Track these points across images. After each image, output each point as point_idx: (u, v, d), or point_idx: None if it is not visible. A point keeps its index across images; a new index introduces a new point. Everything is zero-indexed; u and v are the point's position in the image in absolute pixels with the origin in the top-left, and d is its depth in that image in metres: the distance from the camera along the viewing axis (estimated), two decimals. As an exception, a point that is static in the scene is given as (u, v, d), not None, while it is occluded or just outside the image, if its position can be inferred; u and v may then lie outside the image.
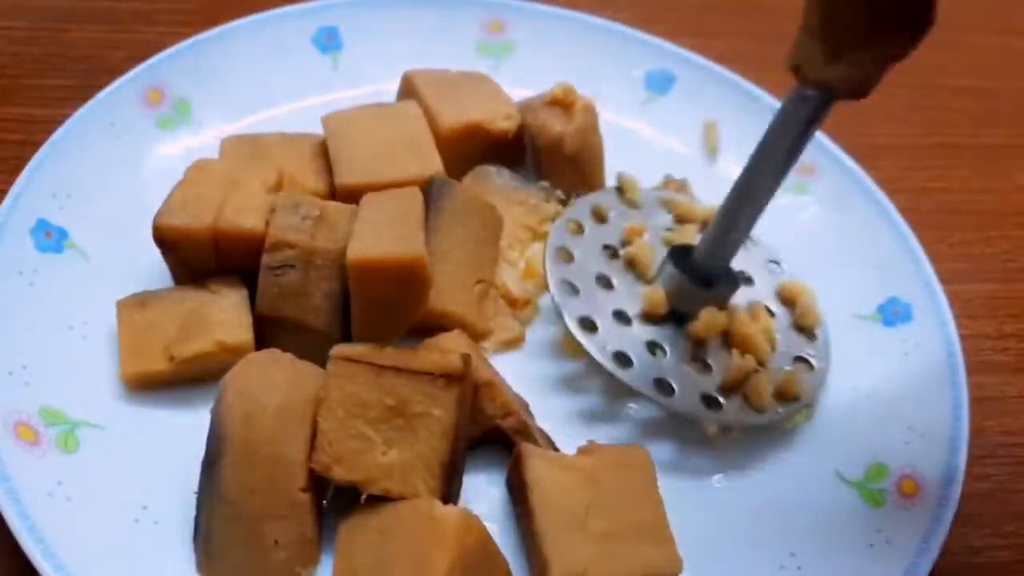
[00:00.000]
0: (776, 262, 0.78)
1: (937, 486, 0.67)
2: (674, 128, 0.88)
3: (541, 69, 0.85)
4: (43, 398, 0.64)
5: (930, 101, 1.00)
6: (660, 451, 0.68)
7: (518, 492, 0.63)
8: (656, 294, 0.71)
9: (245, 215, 0.67)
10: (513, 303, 0.74)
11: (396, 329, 0.66)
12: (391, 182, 0.71)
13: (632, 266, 0.74)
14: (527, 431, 0.65)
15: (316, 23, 0.88)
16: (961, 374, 0.72)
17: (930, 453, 0.69)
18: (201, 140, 0.80)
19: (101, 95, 0.79)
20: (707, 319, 0.70)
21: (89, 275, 0.71)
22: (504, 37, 0.91)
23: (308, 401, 0.60)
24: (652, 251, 0.74)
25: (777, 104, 0.86)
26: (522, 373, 0.71)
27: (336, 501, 0.61)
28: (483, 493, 0.65)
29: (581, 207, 0.76)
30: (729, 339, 0.71)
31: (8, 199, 0.71)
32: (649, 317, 0.71)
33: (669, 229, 0.77)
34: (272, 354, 0.62)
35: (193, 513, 0.60)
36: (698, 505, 0.67)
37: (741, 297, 0.73)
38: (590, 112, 0.79)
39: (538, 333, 0.73)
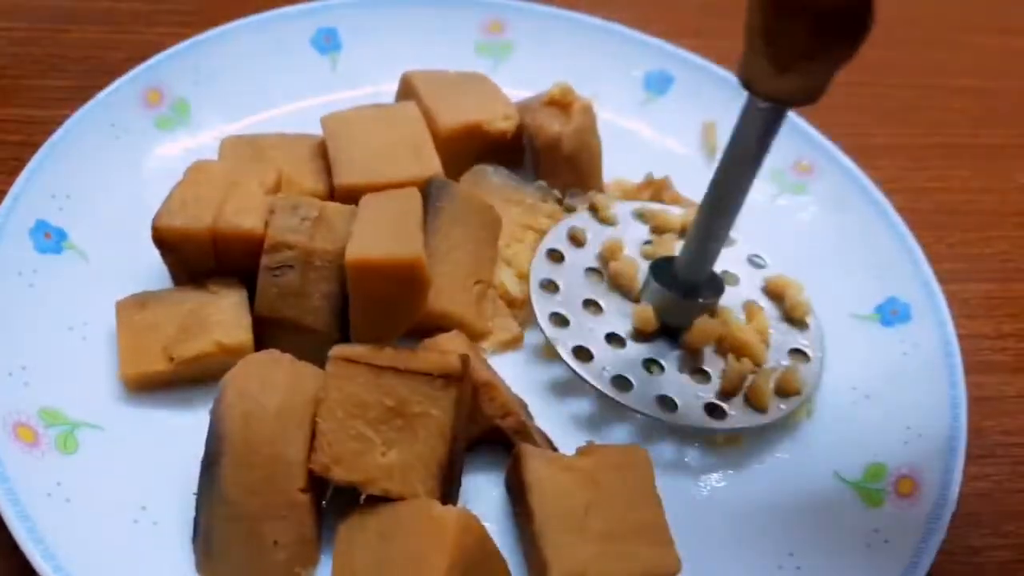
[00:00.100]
0: (758, 256, 0.78)
1: (935, 486, 0.67)
2: (673, 128, 0.88)
3: (540, 69, 0.85)
4: (42, 399, 0.64)
5: (930, 101, 1.00)
6: (659, 451, 0.69)
7: (517, 492, 0.63)
8: (645, 312, 0.71)
9: (244, 216, 0.67)
10: (511, 303, 0.74)
11: (395, 330, 0.66)
12: (390, 183, 0.71)
13: (617, 285, 0.74)
14: (526, 431, 0.65)
15: (315, 24, 0.89)
16: (959, 374, 0.72)
17: (928, 453, 0.69)
18: (200, 141, 0.80)
19: (100, 96, 0.79)
20: (700, 328, 0.70)
21: (88, 276, 0.71)
22: (503, 37, 0.91)
23: (307, 402, 0.60)
24: (634, 266, 0.74)
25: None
26: (521, 374, 0.71)
27: (335, 501, 0.61)
28: (482, 493, 0.65)
29: (558, 233, 0.76)
30: (724, 344, 0.71)
31: (7, 200, 0.71)
32: (641, 334, 0.71)
33: (648, 241, 0.77)
34: (271, 355, 0.62)
35: (192, 514, 0.60)
36: (697, 505, 0.67)
37: (729, 299, 0.73)
38: (588, 112, 0.79)
39: (537, 334, 0.73)
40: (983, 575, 0.67)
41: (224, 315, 0.66)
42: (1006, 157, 0.96)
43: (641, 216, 0.78)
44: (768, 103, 0.58)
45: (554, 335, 0.70)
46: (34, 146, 0.74)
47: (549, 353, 0.71)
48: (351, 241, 0.64)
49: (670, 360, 0.71)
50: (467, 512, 0.57)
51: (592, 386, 0.68)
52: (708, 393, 0.70)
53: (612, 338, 0.71)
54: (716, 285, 0.72)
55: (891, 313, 0.77)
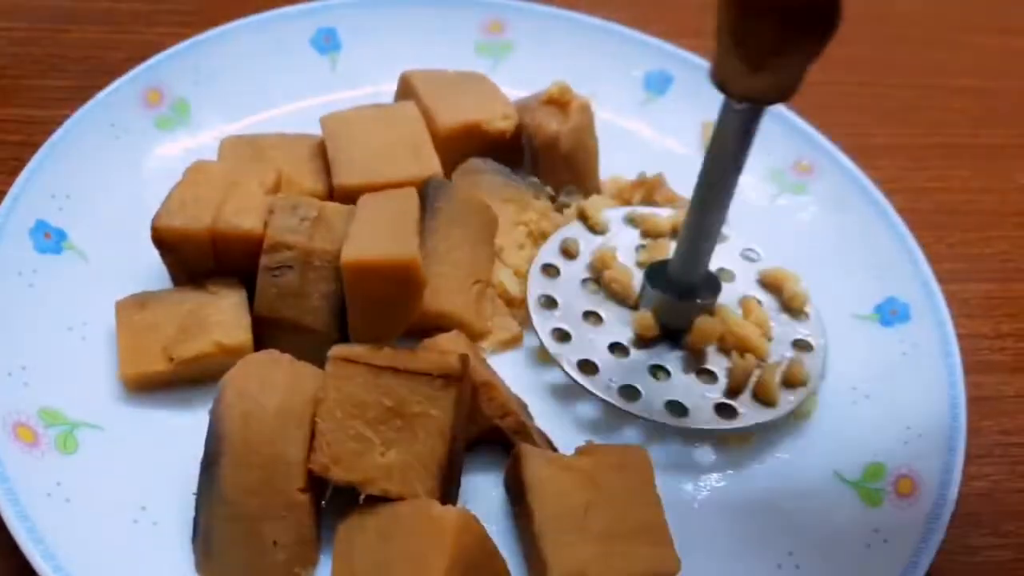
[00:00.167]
0: (751, 250, 0.78)
1: (935, 486, 0.67)
2: (672, 128, 0.88)
3: (540, 69, 0.85)
4: (42, 399, 0.64)
5: (930, 101, 1.00)
6: (659, 451, 0.69)
7: (517, 492, 0.63)
8: (645, 318, 0.71)
9: (243, 216, 0.67)
10: (510, 302, 0.74)
11: (392, 330, 0.66)
12: (389, 183, 0.71)
13: (614, 293, 0.74)
14: (525, 431, 0.65)
15: (315, 24, 0.89)
16: (959, 374, 0.72)
17: (928, 453, 0.69)
18: (200, 141, 0.80)
19: (100, 96, 0.79)
20: (700, 329, 0.70)
21: (88, 276, 0.71)
22: (503, 37, 0.91)
23: (307, 402, 0.60)
24: (629, 273, 0.74)
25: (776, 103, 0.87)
26: (520, 373, 0.71)
27: (335, 502, 0.61)
28: (482, 493, 0.65)
29: (551, 247, 0.76)
30: (726, 342, 0.71)
31: (7, 200, 0.71)
32: (643, 341, 0.71)
33: (641, 246, 0.77)
34: (271, 355, 0.62)
35: (192, 514, 0.60)
36: (697, 505, 0.67)
37: (728, 295, 0.73)
38: (586, 111, 0.79)
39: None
40: (982, 575, 0.67)
41: (223, 315, 0.66)
42: (1006, 157, 0.96)
43: (632, 221, 0.78)
44: (744, 104, 0.58)
45: (557, 351, 0.70)
46: (34, 146, 0.74)
47: (544, 356, 0.71)
48: (347, 242, 0.64)
49: (675, 363, 0.71)
50: (467, 512, 0.57)
51: (601, 399, 0.68)
52: (716, 393, 0.70)
53: (615, 347, 0.71)
54: (713, 284, 0.72)
55: (890, 313, 0.77)
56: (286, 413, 0.59)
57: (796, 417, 0.71)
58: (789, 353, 0.72)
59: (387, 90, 0.84)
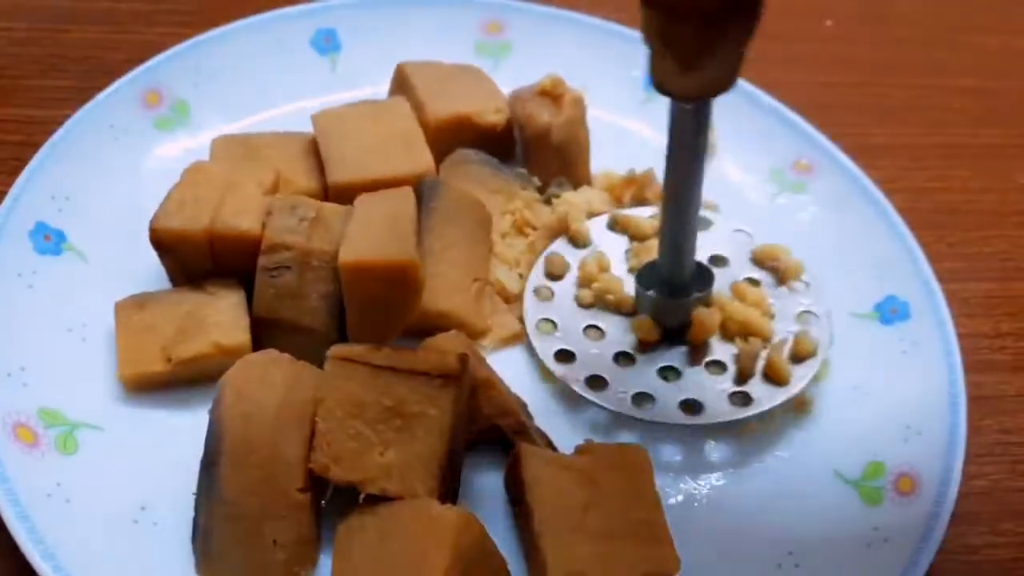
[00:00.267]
0: (741, 230, 0.78)
1: (934, 484, 0.67)
2: (672, 128, 0.88)
3: (540, 69, 0.85)
4: (42, 399, 0.64)
5: (930, 101, 1.00)
6: (659, 450, 0.69)
7: (516, 492, 0.63)
8: (643, 322, 0.71)
9: (241, 217, 0.67)
10: (509, 299, 0.74)
11: (391, 330, 0.66)
12: (382, 178, 0.71)
13: (609, 303, 0.73)
14: (525, 431, 0.66)
15: (314, 25, 0.88)
16: (959, 373, 0.72)
17: (927, 451, 0.69)
18: (199, 142, 0.80)
19: (100, 97, 0.79)
20: (701, 322, 0.70)
21: (88, 277, 0.71)
22: (502, 37, 0.91)
23: (306, 401, 0.60)
24: (620, 281, 0.74)
25: (777, 104, 0.87)
26: (520, 373, 0.71)
27: (335, 501, 0.61)
28: (481, 493, 0.65)
29: (537, 271, 0.75)
30: (729, 330, 0.72)
31: (7, 201, 0.71)
32: (647, 344, 0.71)
33: (627, 251, 0.77)
34: (270, 355, 0.62)
35: (192, 514, 0.60)
36: (696, 504, 0.67)
37: (723, 281, 0.73)
38: (579, 105, 0.80)
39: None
40: (982, 574, 0.67)
41: (222, 316, 0.66)
42: (1006, 157, 0.96)
43: (615, 226, 0.78)
44: (689, 103, 0.58)
45: (564, 373, 0.70)
46: (34, 146, 0.74)
47: (549, 374, 0.71)
48: (345, 243, 0.65)
49: (682, 361, 0.71)
50: (466, 511, 0.57)
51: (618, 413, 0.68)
52: (728, 383, 0.70)
53: (620, 356, 0.71)
54: (705, 275, 0.71)
55: (890, 312, 0.77)
56: (286, 413, 0.59)
57: (798, 410, 0.71)
58: (794, 327, 0.72)
59: (387, 91, 0.84)
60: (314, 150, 0.75)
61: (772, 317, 0.73)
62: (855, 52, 1.01)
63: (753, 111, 0.87)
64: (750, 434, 0.70)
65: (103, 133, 0.78)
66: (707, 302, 0.71)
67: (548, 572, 0.58)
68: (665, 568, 0.60)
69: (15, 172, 0.73)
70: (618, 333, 0.72)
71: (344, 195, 0.70)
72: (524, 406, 0.68)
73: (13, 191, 0.71)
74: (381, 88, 0.85)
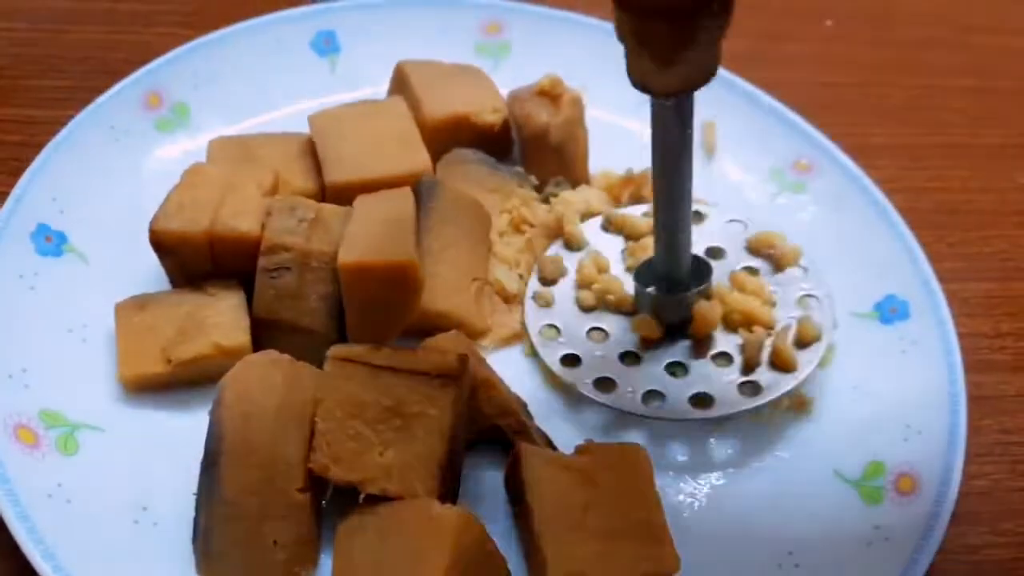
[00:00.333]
0: (735, 220, 0.78)
1: (934, 484, 0.67)
2: (672, 128, 0.88)
3: (539, 69, 0.85)
4: (43, 401, 0.64)
5: (929, 101, 1.00)
6: (659, 450, 0.69)
7: (516, 491, 0.63)
8: (645, 321, 0.71)
9: (241, 218, 0.67)
10: (508, 299, 0.74)
11: (390, 330, 0.66)
12: (380, 178, 0.71)
13: (610, 304, 0.73)
14: (525, 431, 0.66)
15: (314, 27, 0.88)
16: (959, 372, 0.72)
17: (928, 451, 0.69)
18: (199, 143, 0.80)
19: (101, 98, 0.79)
20: (702, 315, 0.70)
21: (88, 278, 0.71)
22: (502, 37, 0.91)
23: (306, 402, 0.60)
24: (619, 280, 0.74)
25: (777, 104, 0.87)
26: (520, 373, 0.71)
27: (335, 501, 0.61)
28: (481, 493, 0.65)
29: (535, 278, 0.75)
30: (731, 321, 0.72)
31: (9, 202, 0.71)
32: (651, 342, 0.71)
33: (623, 250, 0.77)
34: (270, 355, 0.62)
35: (192, 514, 0.60)
36: (697, 504, 0.67)
37: (722, 272, 0.74)
38: (577, 105, 0.80)
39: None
40: (981, 573, 0.67)
41: (222, 317, 0.66)
42: (1006, 157, 0.96)
43: (609, 226, 0.78)
44: (670, 99, 0.58)
45: (571, 378, 0.70)
46: (33, 147, 0.75)
47: (555, 378, 0.71)
48: (344, 244, 0.65)
49: (688, 356, 0.71)
50: (466, 511, 0.57)
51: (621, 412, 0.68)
52: (735, 373, 0.70)
53: (626, 356, 0.71)
54: (702, 268, 0.71)
55: (890, 311, 0.77)
56: (286, 413, 0.60)
57: (798, 410, 0.71)
58: (796, 312, 0.72)
59: (386, 92, 0.84)
60: (311, 150, 0.75)
61: (773, 304, 0.73)
62: (855, 52, 1.01)
63: (753, 111, 0.87)
64: (754, 429, 0.70)
65: (104, 135, 0.78)
66: (707, 295, 0.71)
67: (548, 572, 0.58)
68: (665, 568, 0.60)
69: (15, 172, 0.73)
70: (621, 333, 0.72)
71: (341, 195, 0.71)
72: (524, 406, 0.68)
73: (15, 192, 0.72)
74: (381, 89, 0.85)
